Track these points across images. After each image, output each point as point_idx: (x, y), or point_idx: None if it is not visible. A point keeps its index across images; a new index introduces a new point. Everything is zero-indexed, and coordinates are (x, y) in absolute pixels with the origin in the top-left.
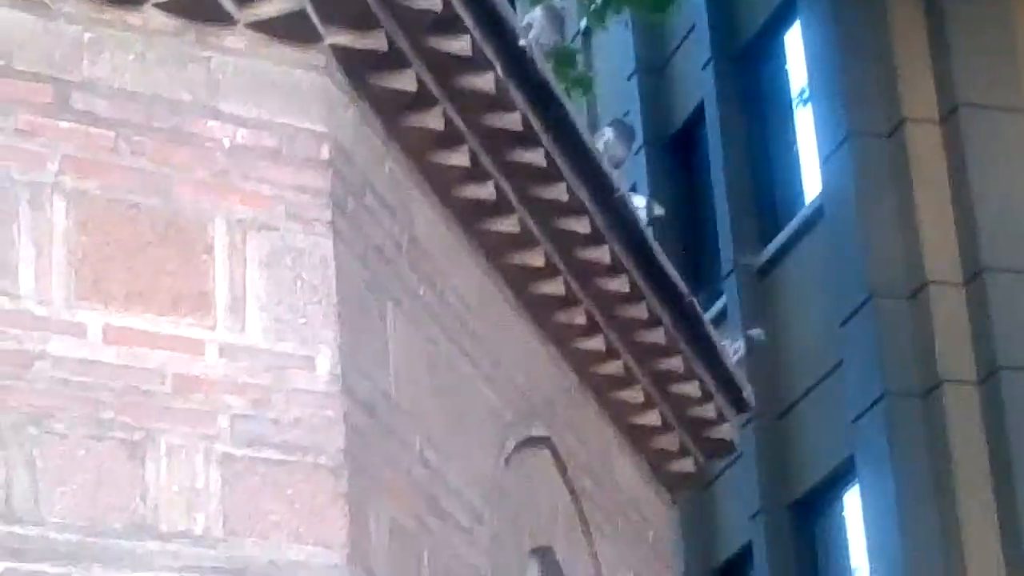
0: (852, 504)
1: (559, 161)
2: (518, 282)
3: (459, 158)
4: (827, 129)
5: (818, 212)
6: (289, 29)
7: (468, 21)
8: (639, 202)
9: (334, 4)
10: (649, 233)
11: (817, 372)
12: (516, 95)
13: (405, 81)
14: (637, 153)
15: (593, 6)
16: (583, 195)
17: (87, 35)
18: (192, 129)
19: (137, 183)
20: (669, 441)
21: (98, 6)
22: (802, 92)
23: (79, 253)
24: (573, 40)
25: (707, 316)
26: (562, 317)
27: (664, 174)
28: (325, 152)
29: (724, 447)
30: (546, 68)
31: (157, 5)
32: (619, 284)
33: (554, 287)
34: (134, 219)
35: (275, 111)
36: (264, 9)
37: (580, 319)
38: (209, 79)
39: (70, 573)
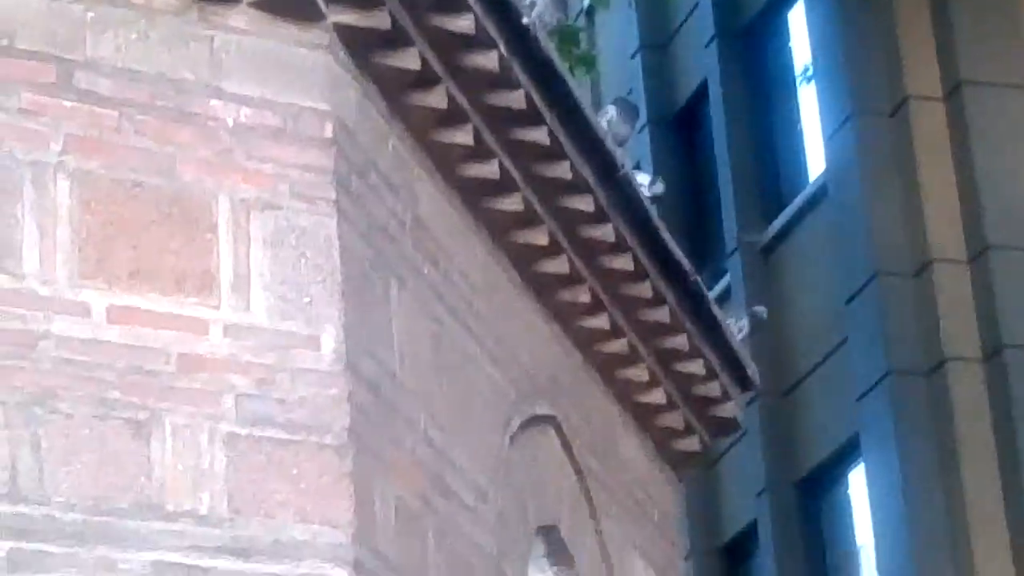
0: (857, 482)
1: (563, 139)
2: (522, 260)
3: (463, 136)
4: (831, 107)
5: (822, 190)
6: (292, 8)
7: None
8: (643, 180)
9: None
10: (653, 211)
11: (822, 350)
12: (520, 73)
13: (408, 60)
14: (641, 131)
15: None
16: (587, 173)
17: (90, 14)
18: (195, 108)
19: (141, 162)
20: (674, 419)
21: None
22: (806, 70)
23: (83, 233)
24: (576, 18)
25: (711, 294)
26: (566, 295)
27: (668, 152)
28: (328, 131)
29: (729, 425)
30: (549, 46)
31: None
32: (623, 262)
33: (558, 265)
34: (138, 198)
35: (278, 90)
36: None
37: (584, 297)
38: (212, 58)
39: (76, 552)
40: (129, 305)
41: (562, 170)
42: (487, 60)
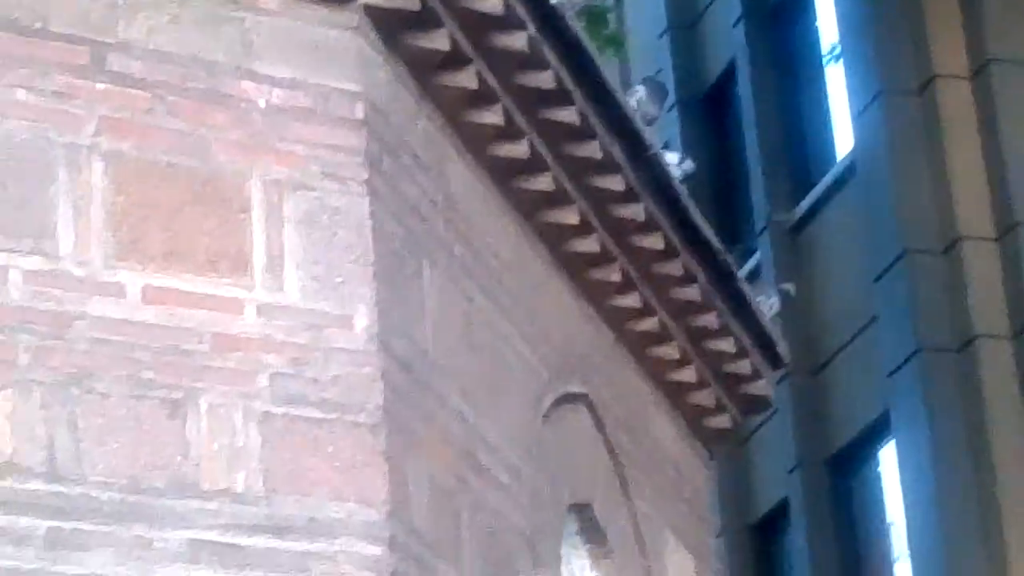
0: (888, 459)
1: (592, 119)
2: (553, 240)
3: (493, 117)
4: (858, 86)
5: (850, 169)
6: None
7: None
8: (672, 159)
9: None
10: (683, 190)
11: (851, 328)
12: (549, 54)
13: (438, 40)
14: (670, 111)
15: None
16: (616, 153)
17: None
18: (227, 90)
19: (174, 144)
20: (705, 397)
21: None
22: (833, 49)
23: (117, 214)
24: None
25: (741, 273)
26: (597, 274)
27: (697, 132)
28: (359, 111)
29: (760, 403)
30: (578, 27)
31: None
32: (653, 241)
33: (589, 244)
34: (171, 179)
35: (309, 71)
36: None
37: (615, 276)
38: (243, 40)
39: (112, 531)
40: (163, 285)
41: (592, 150)
42: (517, 41)
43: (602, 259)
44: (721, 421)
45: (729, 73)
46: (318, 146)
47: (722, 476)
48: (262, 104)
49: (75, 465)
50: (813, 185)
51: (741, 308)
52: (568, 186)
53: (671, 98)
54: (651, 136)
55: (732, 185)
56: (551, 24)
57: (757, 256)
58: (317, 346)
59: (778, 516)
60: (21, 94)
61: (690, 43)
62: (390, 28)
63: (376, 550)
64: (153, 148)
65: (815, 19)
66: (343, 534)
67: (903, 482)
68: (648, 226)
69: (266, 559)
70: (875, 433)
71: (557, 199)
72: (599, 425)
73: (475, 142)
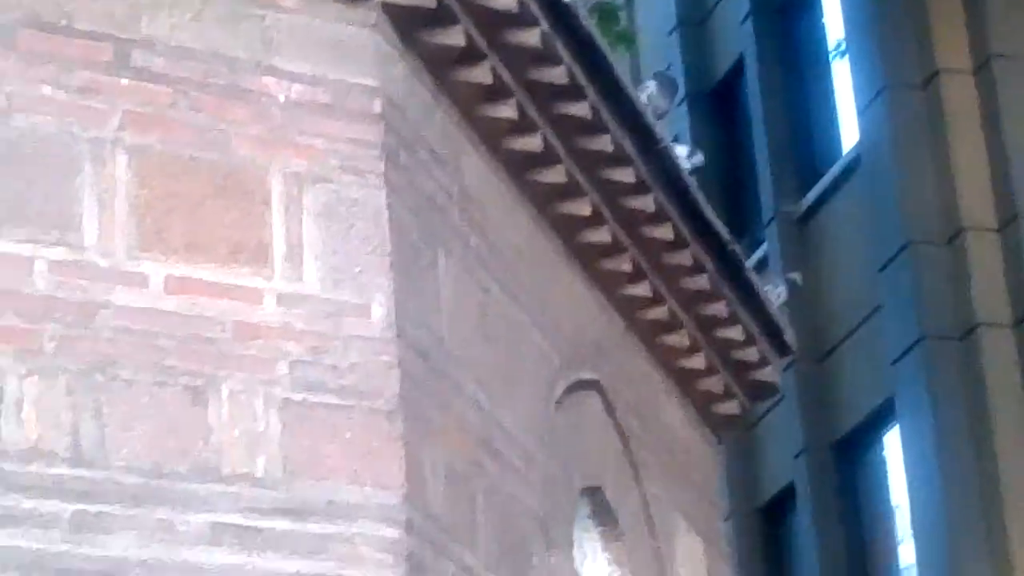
0: (892, 444)
1: (604, 113)
2: (566, 231)
3: (507, 111)
4: (863, 81)
5: (856, 161)
6: None
7: None
8: (682, 152)
9: None
10: (692, 182)
11: (857, 316)
12: (562, 50)
13: (454, 37)
14: (680, 105)
15: None
16: (627, 146)
17: None
18: (248, 85)
19: (196, 138)
20: (714, 384)
21: None
22: (839, 44)
23: (140, 206)
24: None
25: (749, 263)
26: (609, 264)
27: (706, 125)
28: (377, 106)
29: (767, 389)
30: (590, 23)
31: None
32: (664, 232)
33: (601, 235)
34: (193, 172)
35: (328, 67)
36: None
37: (626, 266)
38: (264, 36)
39: (136, 514)
40: (186, 275)
41: (603, 143)
42: (530, 37)
43: (613, 249)
44: (729, 407)
45: (737, 68)
46: (336, 140)
47: (730, 460)
48: (282, 99)
49: (99, 450)
50: (819, 177)
51: (749, 297)
52: (580, 178)
53: (681, 93)
54: (661, 130)
55: (740, 177)
56: (564, 21)
57: (764, 247)
58: (335, 334)
59: (785, 500)
60: (47, 90)
61: (699, 39)
62: (407, 25)
63: (393, 533)
64: (175, 142)
65: (821, 16)
66: (361, 517)
67: (907, 467)
68: (658, 217)
69: (286, 541)
70: (879, 419)
71: (570, 191)
72: (610, 411)
73: (490, 136)
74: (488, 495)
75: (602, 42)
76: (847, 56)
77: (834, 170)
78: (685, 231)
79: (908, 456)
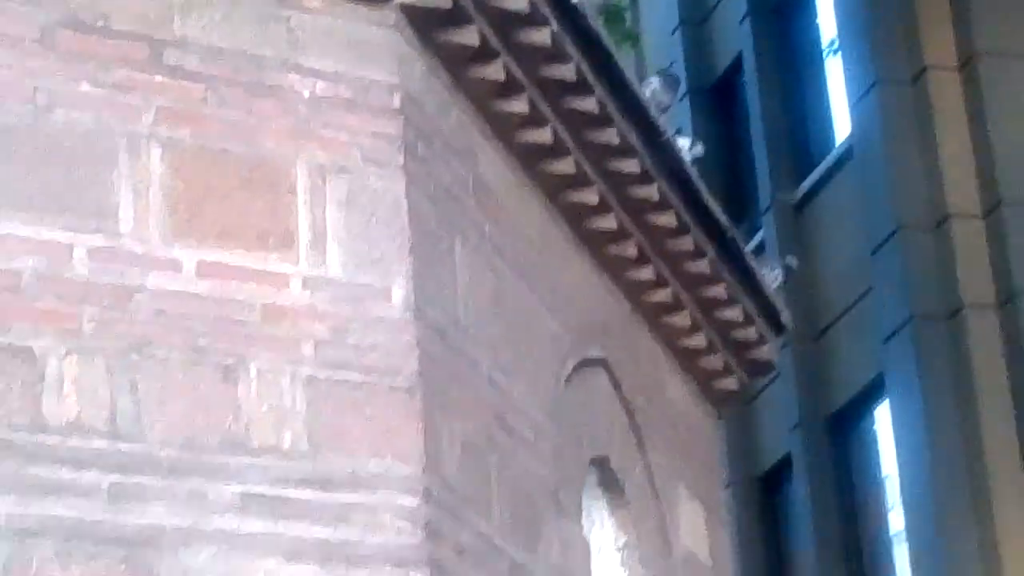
0: (883, 418)
1: (610, 107)
2: (574, 218)
3: (519, 106)
4: (855, 77)
5: (848, 152)
6: None
7: None
8: (684, 144)
9: None
10: (694, 172)
11: (849, 298)
12: (571, 48)
13: (468, 36)
14: (682, 100)
15: None
16: (633, 138)
17: None
18: (275, 82)
19: (226, 132)
20: (714, 362)
21: None
22: (832, 43)
23: (173, 196)
24: None
25: (747, 248)
26: (615, 249)
27: (706, 119)
28: (396, 101)
29: (764, 367)
30: (598, 23)
31: None
32: (667, 219)
33: (607, 222)
34: (223, 164)
35: (350, 65)
36: None
37: (631, 251)
38: (290, 36)
39: (170, 485)
40: (217, 261)
41: (610, 135)
42: (541, 36)
43: (619, 236)
44: (729, 383)
45: (736, 65)
46: (358, 133)
47: (730, 434)
48: (306, 95)
49: (135, 425)
50: (814, 167)
51: (747, 280)
52: (588, 169)
53: (682, 89)
54: (664, 123)
55: (739, 168)
56: (572, 21)
57: (762, 232)
58: (358, 316)
59: (781, 470)
60: (85, 87)
61: (700, 38)
62: (424, 25)
63: (412, 502)
64: (207, 136)
65: (815, 15)
66: (382, 487)
67: (896, 439)
68: (662, 205)
69: (311, 510)
70: (871, 394)
71: (578, 181)
72: (616, 387)
73: (503, 129)
74: (502, 466)
75: (609, 41)
76: (840, 54)
77: (828, 160)
78: (687, 218)
79: (897, 429)
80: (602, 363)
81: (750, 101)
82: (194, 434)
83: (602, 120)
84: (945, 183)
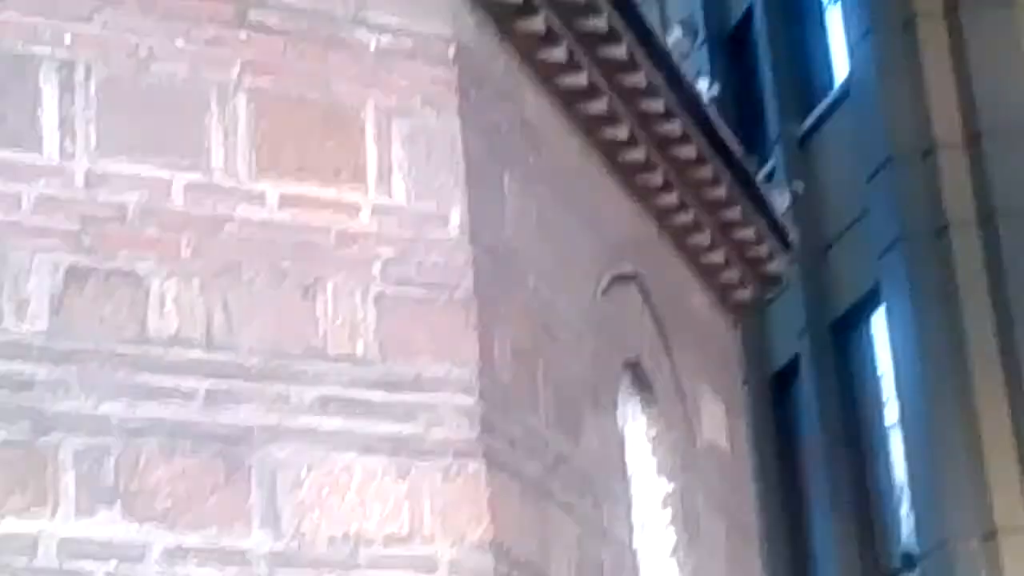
0: (878, 323)
1: (638, 54)
2: (607, 151)
3: (558, 54)
4: (852, 25)
5: (846, 92)
6: None
7: None
8: (702, 85)
9: None
10: (711, 110)
11: (848, 218)
12: (603, 3)
13: None
14: (700, 48)
15: None
16: (658, 81)
17: None
18: (345, 36)
19: (302, 80)
20: (731, 275)
21: None
22: None
23: (258, 137)
24: None
25: (759, 176)
26: (643, 179)
27: (722, 64)
28: (451, 52)
29: (775, 279)
30: None
31: None
32: (688, 151)
33: (636, 154)
34: (301, 109)
35: (410, 20)
36: None
37: (657, 180)
38: None
39: (258, 388)
40: (296, 193)
41: (638, 79)
42: None
43: (647, 166)
44: (743, 294)
45: (748, 17)
46: (418, 80)
47: (745, 338)
48: (372, 47)
49: (227, 337)
50: (816, 105)
51: (759, 204)
52: (619, 108)
53: (701, 37)
54: (685, 67)
55: (751, 106)
56: None
57: (771, 162)
58: (419, 239)
59: (791, 370)
60: (180, 43)
61: None
62: None
63: (468, 400)
64: (286, 84)
65: None
66: (442, 388)
67: (891, 341)
68: (683, 139)
69: (381, 409)
70: (868, 303)
71: (610, 119)
72: (646, 298)
73: (545, 74)
74: (547, 368)
75: None
76: (838, 4)
77: (828, 99)
78: (705, 150)
79: (891, 332)
80: (633, 278)
81: (760, 48)
82: (278, 344)
83: (631, 65)
84: (932, 117)
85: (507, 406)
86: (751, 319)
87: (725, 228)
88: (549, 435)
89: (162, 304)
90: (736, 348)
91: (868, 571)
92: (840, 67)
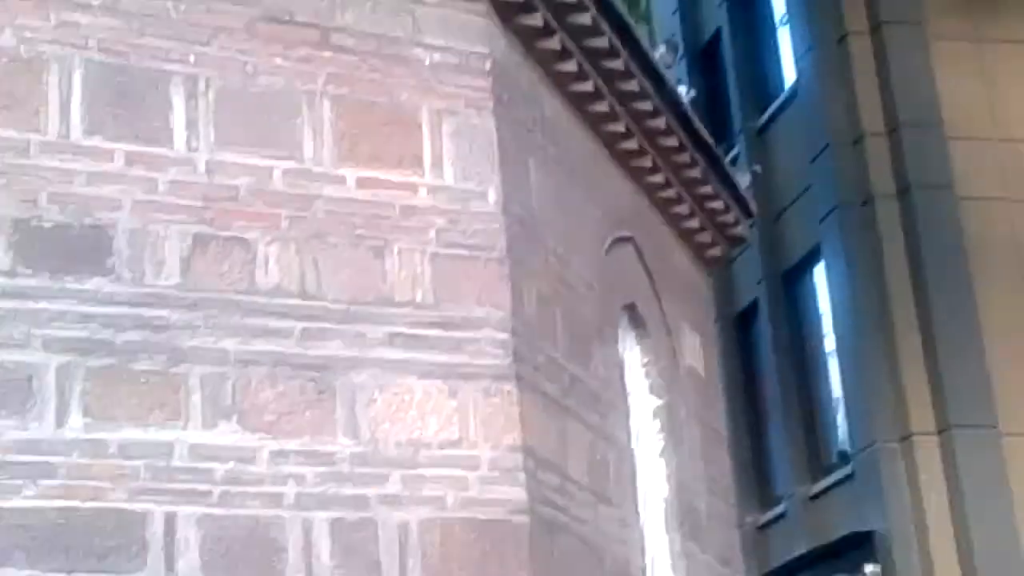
0: (819, 274)
1: (632, 66)
2: (609, 141)
3: (570, 67)
4: (799, 40)
5: (794, 93)
6: None
7: None
8: (682, 90)
9: None
10: (689, 108)
11: (796, 191)
12: (605, 26)
13: (535, 19)
14: (680, 60)
15: None
16: (648, 86)
17: None
18: (405, 54)
19: (373, 89)
20: (704, 237)
21: None
22: (783, 17)
23: (339, 133)
24: None
25: (726, 159)
26: (635, 162)
27: (698, 72)
28: (488, 66)
29: (739, 239)
30: (623, 8)
31: None
32: (671, 140)
33: (630, 143)
34: (371, 111)
35: (457, 41)
36: None
37: (647, 163)
38: (415, 23)
39: (341, 328)
40: (369, 176)
41: (632, 85)
42: (585, 19)
43: (639, 153)
44: (715, 251)
45: (717, 35)
46: (463, 88)
47: (716, 286)
48: (427, 63)
49: (317, 288)
50: (770, 103)
51: (726, 181)
52: (618, 108)
53: (680, 52)
54: (669, 76)
55: (719, 105)
56: (606, 7)
57: (736, 149)
58: (464, 211)
59: (751, 311)
60: (278, 60)
61: (692, 17)
62: (506, 12)
63: (503, 336)
64: (361, 92)
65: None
66: (484, 327)
67: (829, 287)
68: (667, 131)
69: (437, 343)
70: (811, 258)
71: (611, 116)
72: (640, 256)
73: (560, 83)
74: (564, 311)
75: (630, 20)
76: (788, 25)
77: (780, 98)
78: (684, 139)
79: (829, 281)
80: (630, 240)
81: (726, 59)
82: (356, 293)
83: (626, 74)
84: (860, 111)
85: (533, 340)
86: (720, 271)
87: (700, 200)
88: (565, 362)
89: (266, 263)
90: (709, 293)
91: (812, 465)
92: (789, 74)
